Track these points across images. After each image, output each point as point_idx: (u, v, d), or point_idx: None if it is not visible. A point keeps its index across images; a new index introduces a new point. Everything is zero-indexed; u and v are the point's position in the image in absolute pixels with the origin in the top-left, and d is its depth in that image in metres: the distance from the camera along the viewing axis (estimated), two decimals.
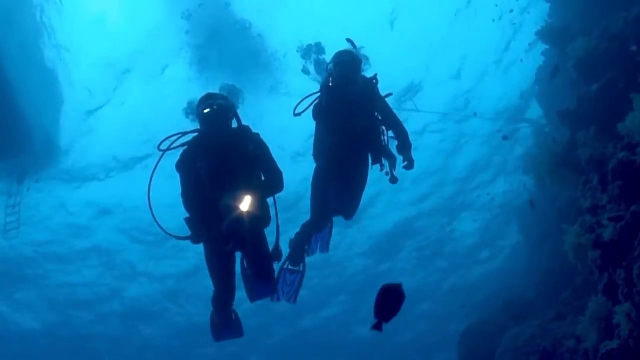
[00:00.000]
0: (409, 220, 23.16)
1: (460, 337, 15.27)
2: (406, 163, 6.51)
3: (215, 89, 5.62)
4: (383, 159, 6.54)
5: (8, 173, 16.15)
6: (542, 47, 15.40)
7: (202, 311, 13.11)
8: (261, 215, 5.18)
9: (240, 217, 4.91)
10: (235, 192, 4.97)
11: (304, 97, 6.47)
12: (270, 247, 5.52)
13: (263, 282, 5.60)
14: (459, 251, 25.53)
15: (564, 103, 11.77)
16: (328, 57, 6.75)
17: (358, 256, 24.75)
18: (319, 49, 7.33)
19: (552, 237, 13.35)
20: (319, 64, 7.17)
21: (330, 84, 6.32)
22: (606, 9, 10.73)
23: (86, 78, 16.11)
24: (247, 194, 4.97)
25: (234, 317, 5.71)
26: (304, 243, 6.66)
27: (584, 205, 8.52)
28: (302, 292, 6.39)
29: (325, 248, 7.10)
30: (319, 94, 6.43)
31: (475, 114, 18.14)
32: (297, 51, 7.34)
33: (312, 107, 6.42)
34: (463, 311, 22.47)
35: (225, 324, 5.64)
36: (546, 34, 13.27)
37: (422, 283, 26.22)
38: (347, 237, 22.42)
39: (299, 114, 6.36)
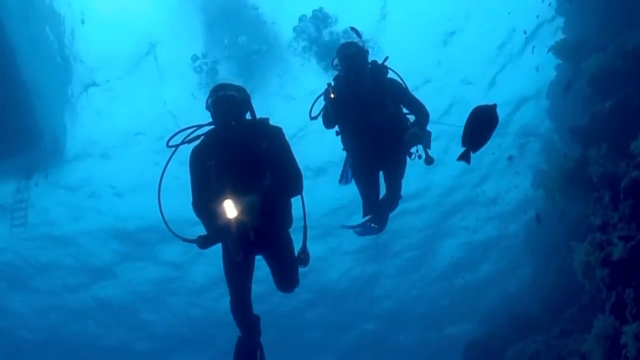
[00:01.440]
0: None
1: (464, 348, 15.24)
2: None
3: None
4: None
5: (16, 169, 16.22)
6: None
7: None
8: (264, 221, 4.58)
9: (226, 226, 4.40)
10: (231, 196, 4.42)
11: (317, 96, 6.10)
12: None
13: (283, 290, 5.25)
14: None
15: (575, 119, 11.74)
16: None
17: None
18: (318, 19, 6.75)
19: (559, 252, 13.28)
20: (320, 43, 6.64)
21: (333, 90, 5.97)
22: (622, 25, 10.70)
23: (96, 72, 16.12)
24: (234, 198, 4.38)
25: (258, 357, 5.21)
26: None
27: (594, 222, 8.46)
28: None
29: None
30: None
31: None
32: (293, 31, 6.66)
33: (322, 115, 6.10)
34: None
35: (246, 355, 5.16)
36: (560, 49, 13.23)
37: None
38: None
39: (315, 117, 6.10)
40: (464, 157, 3.55)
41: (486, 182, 21.48)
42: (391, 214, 6.97)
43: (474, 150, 3.51)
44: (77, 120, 16.96)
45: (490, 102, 3.51)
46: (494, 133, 3.62)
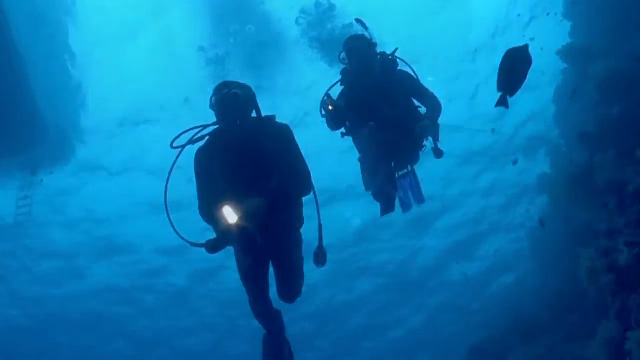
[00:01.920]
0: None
1: (467, 353, 15.18)
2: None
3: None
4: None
5: (22, 165, 16.25)
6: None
7: None
8: (272, 223, 4.49)
9: (227, 232, 4.26)
10: (230, 202, 4.30)
11: (326, 90, 5.80)
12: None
13: (285, 300, 4.99)
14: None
15: (582, 124, 11.67)
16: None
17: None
18: (323, 9, 6.55)
19: (564, 258, 13.20)
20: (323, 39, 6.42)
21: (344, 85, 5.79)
22: (630, 30, 10.64)
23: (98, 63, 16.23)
24: (234, 204, 4.27)
25: (286, 353, 5.13)
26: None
27: (600, 228, 8.43)
28: None
29: (420, 197, 6.47)
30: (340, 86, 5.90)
31: (493, 130, 18.02)
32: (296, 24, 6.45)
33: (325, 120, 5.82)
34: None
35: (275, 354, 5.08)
36: (567, 53, 13.16)
37: None
38: None
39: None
40: (502, 102, 3.46)
41: (488, 182, 21.47)
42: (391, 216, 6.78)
43: (511, 94, 3.42)
44: (80, 116, 17.06)
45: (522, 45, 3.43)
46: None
